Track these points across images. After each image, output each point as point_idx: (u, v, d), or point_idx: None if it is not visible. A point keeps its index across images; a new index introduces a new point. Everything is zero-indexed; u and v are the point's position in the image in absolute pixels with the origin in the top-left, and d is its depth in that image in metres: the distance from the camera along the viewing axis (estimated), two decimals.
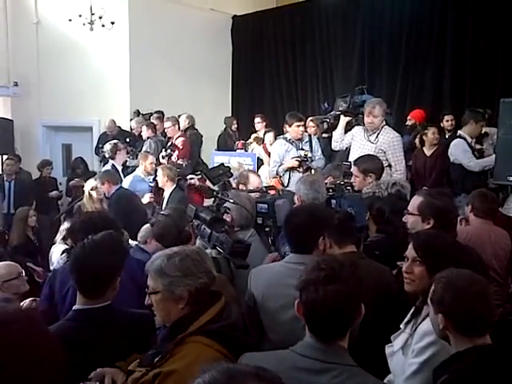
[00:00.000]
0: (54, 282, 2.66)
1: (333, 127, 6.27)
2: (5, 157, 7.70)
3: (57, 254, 4.10)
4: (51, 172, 7.85)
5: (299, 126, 5.36)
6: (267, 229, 3.32)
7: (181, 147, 6.41)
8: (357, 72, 8.41)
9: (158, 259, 1.84)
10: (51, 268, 3.94)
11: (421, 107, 7.12)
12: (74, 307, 2.08)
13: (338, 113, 6.13)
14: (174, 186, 5.42)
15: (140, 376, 1.73)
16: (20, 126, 8.74)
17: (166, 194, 5.41)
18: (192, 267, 1.80)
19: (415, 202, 2.59)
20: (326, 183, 3.66)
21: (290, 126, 5.41)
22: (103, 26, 7.89)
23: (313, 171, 5.24)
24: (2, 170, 7.55)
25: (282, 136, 5.88)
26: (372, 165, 3.85)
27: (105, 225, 2.57)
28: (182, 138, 6.53)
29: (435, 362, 1.76)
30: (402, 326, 2.05)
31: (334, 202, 3.37)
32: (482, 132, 5.99)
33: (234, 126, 8.71)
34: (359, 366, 1.59)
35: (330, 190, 3.47)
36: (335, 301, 1.51)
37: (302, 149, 5.37)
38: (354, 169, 3.88)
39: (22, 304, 2.96)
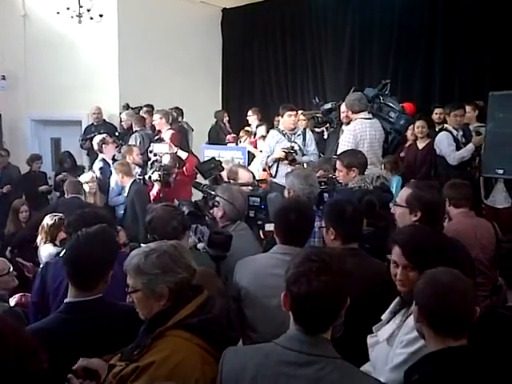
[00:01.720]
0: (45, 274, 2.69)
1: (323, 122, 6.31)
2: None
3: (45, 253, 4.08)
4: (41, 166, 7.79)
5: (291, 115, 5.42)
6: (259, 222, 3.34)
7: (169, 141, 6.36)
8: (347, 65, 8.42)
9: (135, 257, 1.81)
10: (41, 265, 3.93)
11: (411, 100, 7.14)
12: (65, 300, 2.08)
13: (328, 107, 6.18)
14: (132, 179, 5.34)
15: (120, 370, 1.72)
16: (8, 121, 8.65)
17: (126, 189, 5.34)
18: (170, 263, 1.78)
19: (404, 193, 2.59)
20: (318, 177, 3.68)
21: (283, 116, 5.47)
22: (91, 18, 7.79)
23: (305, 165, 5.26)
24: None
25: (275, 128, 5.92)
26: (354, 159, 3.84)
27: (98, 220, 2.55)
28: (170, 131, 6.48)
29: (423, 354, 1.75)
30: (383, 317, 2.06)
31: (326, 195, 3.39)
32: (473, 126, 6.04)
33: (226, 119, 8.68)
34: (351, 360, 1.59)
35: (322, 184, 3.49)
36: (329, 292, 1.51)
37: (294, 141, 5.40)
38: (337, 163, 3.89)
39: (11, 299, 2.99)
